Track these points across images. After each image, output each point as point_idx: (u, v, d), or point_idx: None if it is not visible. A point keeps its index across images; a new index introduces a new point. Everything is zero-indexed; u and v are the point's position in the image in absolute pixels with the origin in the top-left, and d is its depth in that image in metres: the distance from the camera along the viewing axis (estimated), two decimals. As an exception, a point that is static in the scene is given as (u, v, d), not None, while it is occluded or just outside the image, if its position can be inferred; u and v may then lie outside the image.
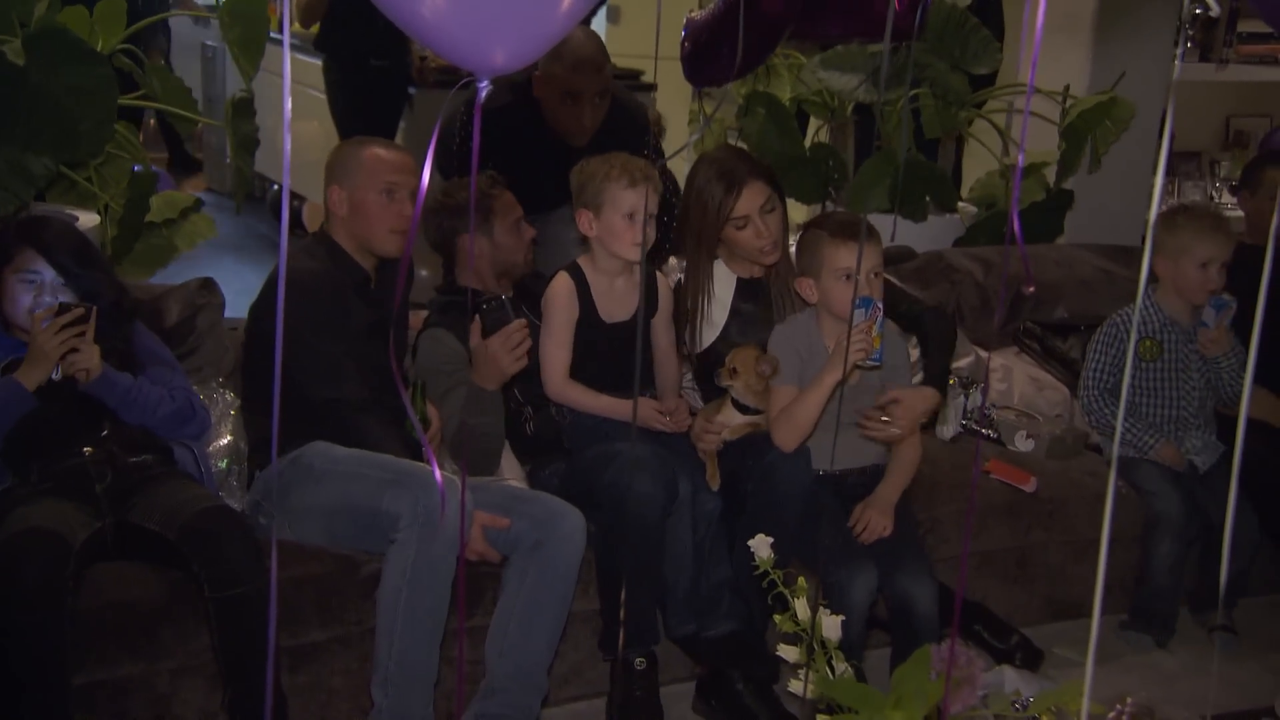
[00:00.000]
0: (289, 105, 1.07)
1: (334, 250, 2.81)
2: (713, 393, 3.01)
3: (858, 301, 2.62)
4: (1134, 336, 1.60)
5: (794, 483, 2.74)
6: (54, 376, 2.52)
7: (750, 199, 2.89)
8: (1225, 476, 3.30)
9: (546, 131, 3.50)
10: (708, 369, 2.99)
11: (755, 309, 3.02)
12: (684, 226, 3.01)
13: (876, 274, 2.82)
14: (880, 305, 2.67)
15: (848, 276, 2.76)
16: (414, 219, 1.97)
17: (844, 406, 2.78)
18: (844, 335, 2.72)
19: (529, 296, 3.11)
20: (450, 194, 3.08)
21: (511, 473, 2.97)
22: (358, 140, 2.89)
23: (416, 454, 2.72)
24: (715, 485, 2.84)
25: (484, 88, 1.35)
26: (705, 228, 2.93)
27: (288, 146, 1.08)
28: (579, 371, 2.87)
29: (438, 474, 1.68)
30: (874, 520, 2.81)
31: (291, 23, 7.06)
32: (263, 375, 2.78)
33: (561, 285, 2.87)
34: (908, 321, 3.02)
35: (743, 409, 2.88)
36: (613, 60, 3.63)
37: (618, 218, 2.81)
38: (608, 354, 2.86)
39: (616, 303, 2.91)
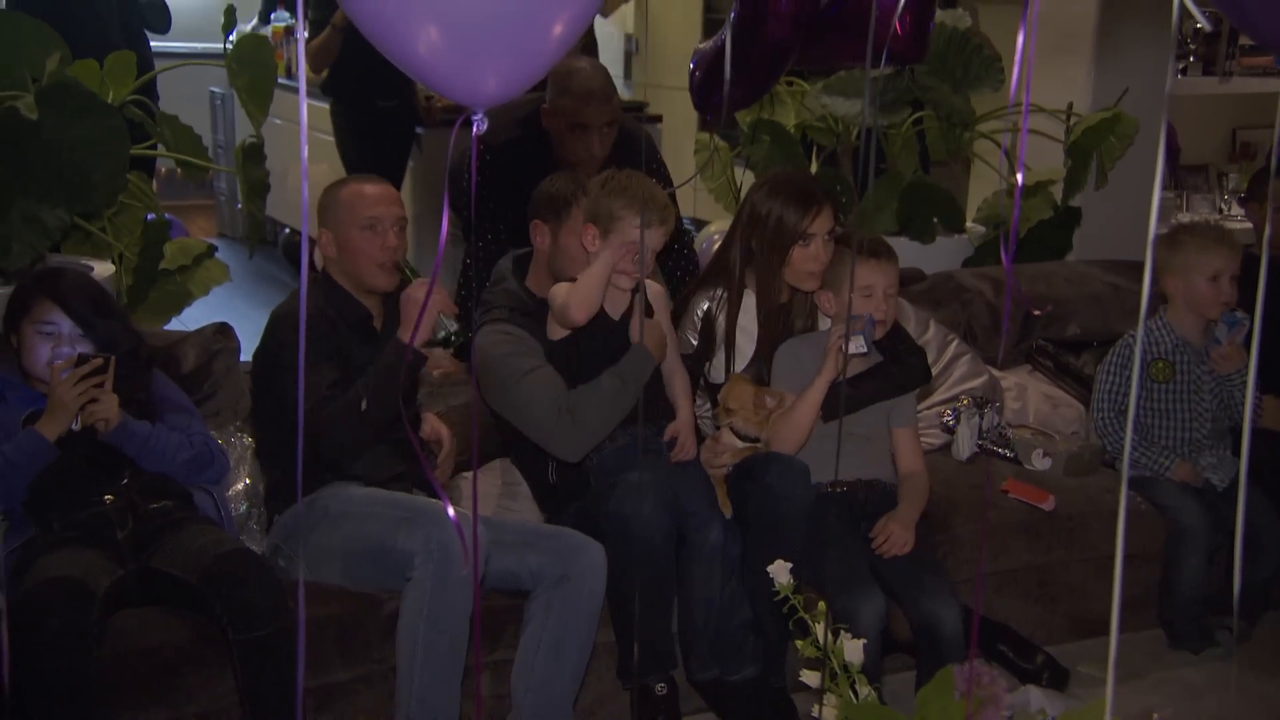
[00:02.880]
0: (305, 151, 1.09)
1: (332, 290, 2.80)
2: None
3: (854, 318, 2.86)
4: (1138, 360, 1.61)
5: (794, 501, 2.74)
6: (74, 427, 2.54)
7: (825, 220, 2.94)
8: (1248, 489, 3.28)
9: (555, 163, 3.53)
10: None
11: (775, 332, 3.02)
12: (745, 238, 2.99)
13: (893, 293, 2.94)
14: (869, 318, 2.83)
15: (867, 294, 2.88)
16: (436, 261, 1.98)
17: (848, 417, 2.87)
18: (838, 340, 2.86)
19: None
20: (550, 181, 3.00)
21: (531, 517, 2.97)
22: (338, 181, 2.88)
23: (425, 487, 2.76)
24: (727, 512, 2.83)
25: (478, 120, 1.37)
26: (779, 241, 2.94)
27: (305, 190, 1.10)
28: (587, 374, 2.81)
29: (450, 510, 1.68)
30: (896, 534, 2.82)
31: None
32: (270, 419, 2.80)
33: (562, 286, 2.84)
34: (891, 355, 3.01)
35: (742, 436, 2.90)
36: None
37: (628, 241, 2.79)
38: (616, 353, 2.82)
39: (617, 300, 2.87)
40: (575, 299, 2.76)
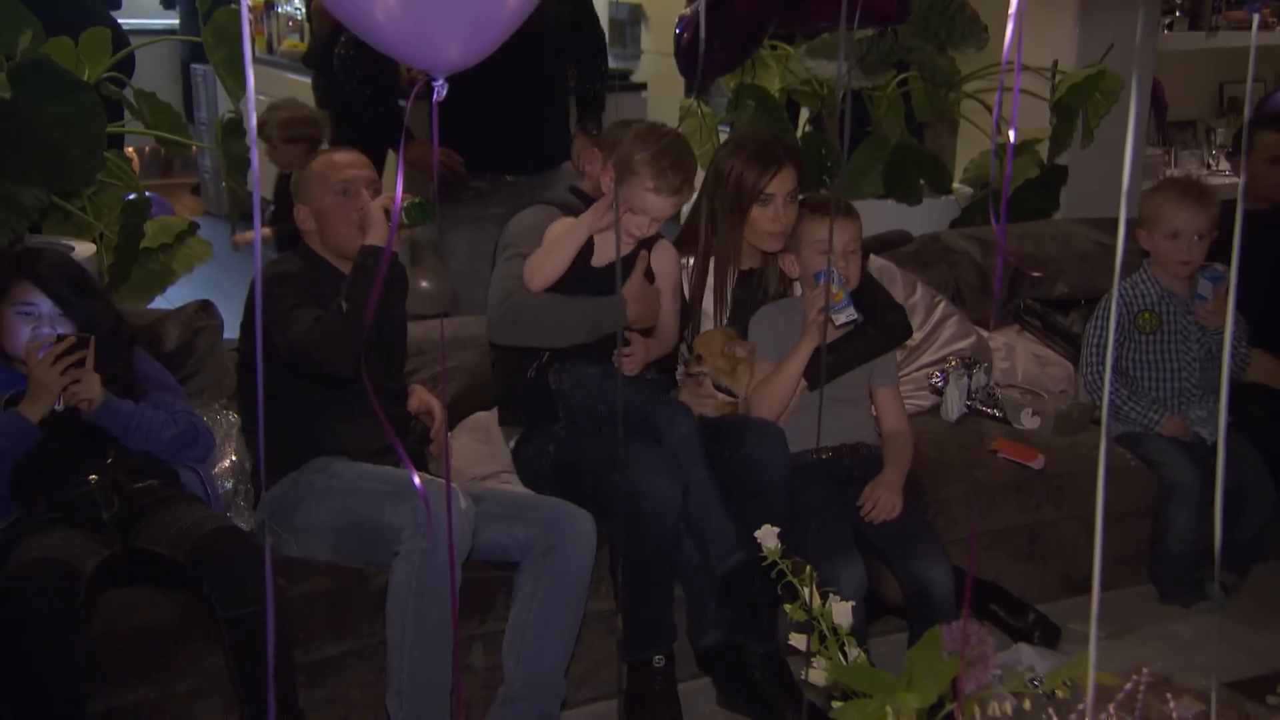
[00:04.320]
0: (254, 119, 1.07)
1: (310, 257, 2.81)
2: None
3: (816, 275, 2.84)
4: (1114, 313, 1.62)
5: (774, 468, 2.72)
6: (56, 408, 2.53)
7: (784, 180, 2.91)
8: (1236, 442, 3.29)
9: None
10: None
11: (750, 297, 3.02)
12: (709, 199, 2.97)
13: (853, 250, 2.92)
14: (833, 270, 2.79)
15: (824, 251, 2.86)
16: (393, 219, 1.97)
17: (828, 382, 2.86)
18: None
19: None
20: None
21: (493, 438, 2.97)
22: (312, 156, 2.88)
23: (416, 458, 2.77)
24: None
25: (439, 86, 1.36)
26: (738, 200, 2.92)
27: (255, 157, 1.08)
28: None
29: (416, 480, 1.68)
30: (884, 499, 2.81)
31: (283, 41, 7.07)
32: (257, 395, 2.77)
33: (561, 224, 2.83)
34: (869, 313, 2.99)
35: (718, 388, 2.89)
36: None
37: (636, 200, 2.76)
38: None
39: (609, 244, 2.85)
40: (534, 268, 2.77)
